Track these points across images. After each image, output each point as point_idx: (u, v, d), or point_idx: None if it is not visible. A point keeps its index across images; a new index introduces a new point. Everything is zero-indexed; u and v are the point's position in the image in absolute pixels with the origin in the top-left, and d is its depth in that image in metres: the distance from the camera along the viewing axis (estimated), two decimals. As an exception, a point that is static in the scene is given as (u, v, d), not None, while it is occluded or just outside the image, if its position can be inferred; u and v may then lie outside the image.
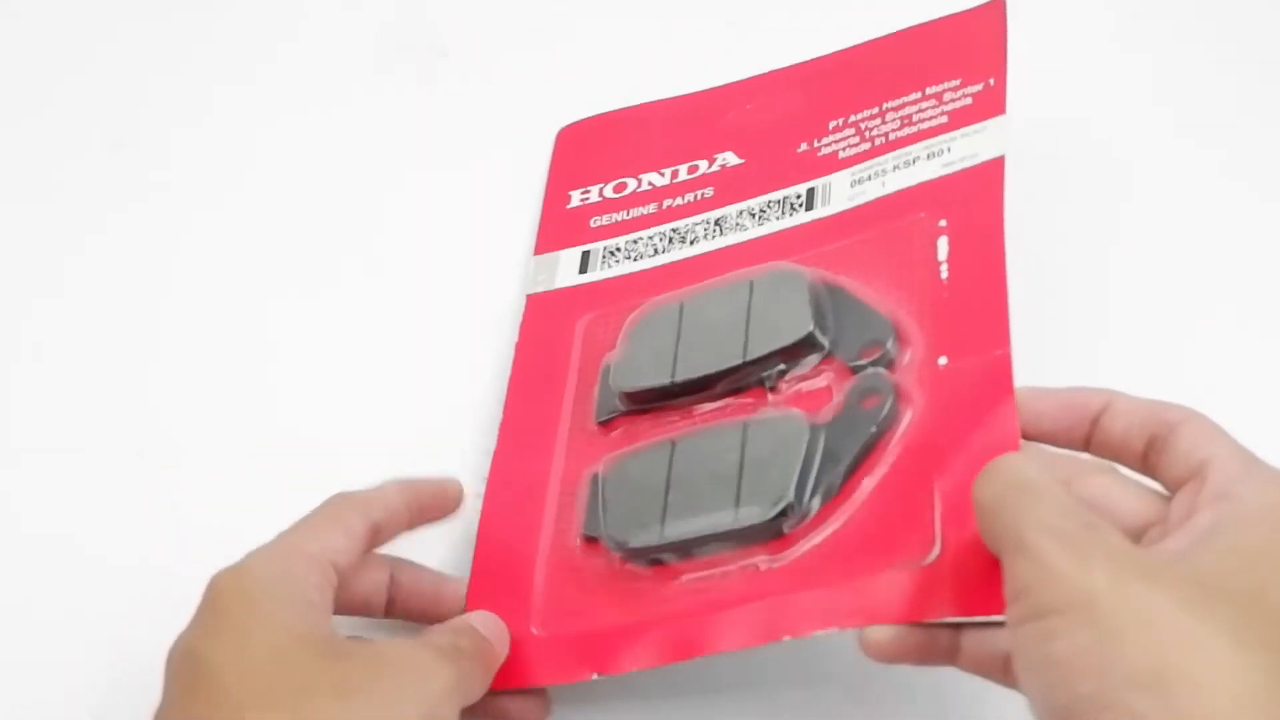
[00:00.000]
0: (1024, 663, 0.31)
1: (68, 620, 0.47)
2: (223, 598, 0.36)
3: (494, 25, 0.64)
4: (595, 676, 0.41)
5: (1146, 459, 0.37)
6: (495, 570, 0.44)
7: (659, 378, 0.45)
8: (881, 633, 0.37)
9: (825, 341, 0.44)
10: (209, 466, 0.51)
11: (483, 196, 0.57)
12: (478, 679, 0.39)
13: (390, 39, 0.64)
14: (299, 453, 0.50)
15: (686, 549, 0.42)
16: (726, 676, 0.44)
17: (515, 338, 0.50)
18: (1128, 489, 0.37)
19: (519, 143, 0.58)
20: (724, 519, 0.41)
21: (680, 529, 0.42)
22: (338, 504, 0.41)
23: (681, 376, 0.44)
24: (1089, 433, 0.38)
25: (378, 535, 0.41)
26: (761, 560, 0.41)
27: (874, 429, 0.41)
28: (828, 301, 0.44)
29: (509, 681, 0.41)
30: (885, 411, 0.41)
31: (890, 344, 0.43)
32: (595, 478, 0.44)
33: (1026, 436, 0.39)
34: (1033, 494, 0.33)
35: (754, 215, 0.49)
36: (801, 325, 0.43)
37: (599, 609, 0.42)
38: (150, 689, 0.36)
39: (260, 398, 0.53)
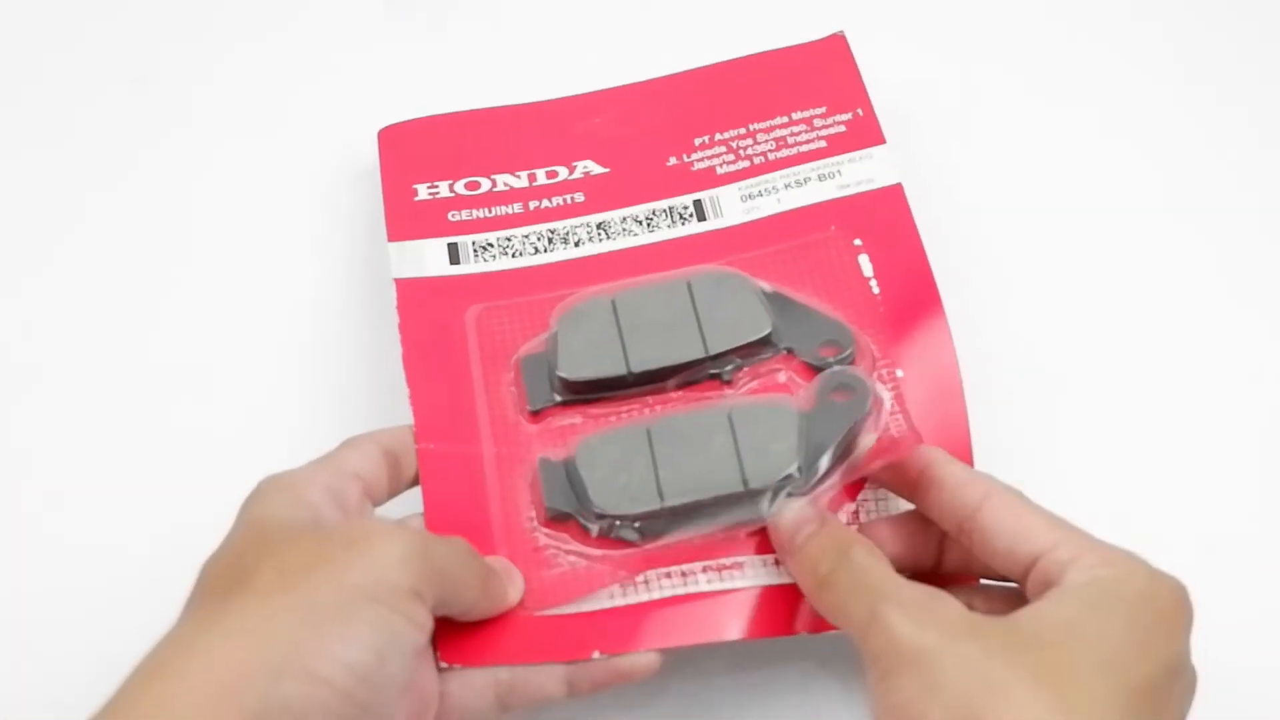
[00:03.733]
0: (874, 717, 0.37)
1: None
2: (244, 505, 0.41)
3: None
4: (597, 655, 0.41)
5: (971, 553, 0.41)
6: None
7: (613, 368, 0.46)
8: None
9: (780, 340, 0.47)
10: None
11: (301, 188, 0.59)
12: (452, 565, 0.40)
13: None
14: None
15: (683, 519, 0.43)
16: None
17: (391, 321, 0.49)
18: None
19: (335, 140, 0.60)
20: (731, 486, 0.43)
21: (683, 498, 0.43)
22: (351, 437, 0.44)
23: (638, 368, 0.46)
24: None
25: (396, 462, 0.44)
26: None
27: (851, 422, 0.44)
28: (771, 303, 0.48)
29: (514, 657, 0.41)
30: (864, 407, 0.44)
31: (849, 346, 0.46)
32: (553, 461, 0.45)
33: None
34: (880, 573, 0.39)
35: (640, 222, 0.52)
36: (761, 324, 0.47)
37: (581, 586, 0.43)
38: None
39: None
